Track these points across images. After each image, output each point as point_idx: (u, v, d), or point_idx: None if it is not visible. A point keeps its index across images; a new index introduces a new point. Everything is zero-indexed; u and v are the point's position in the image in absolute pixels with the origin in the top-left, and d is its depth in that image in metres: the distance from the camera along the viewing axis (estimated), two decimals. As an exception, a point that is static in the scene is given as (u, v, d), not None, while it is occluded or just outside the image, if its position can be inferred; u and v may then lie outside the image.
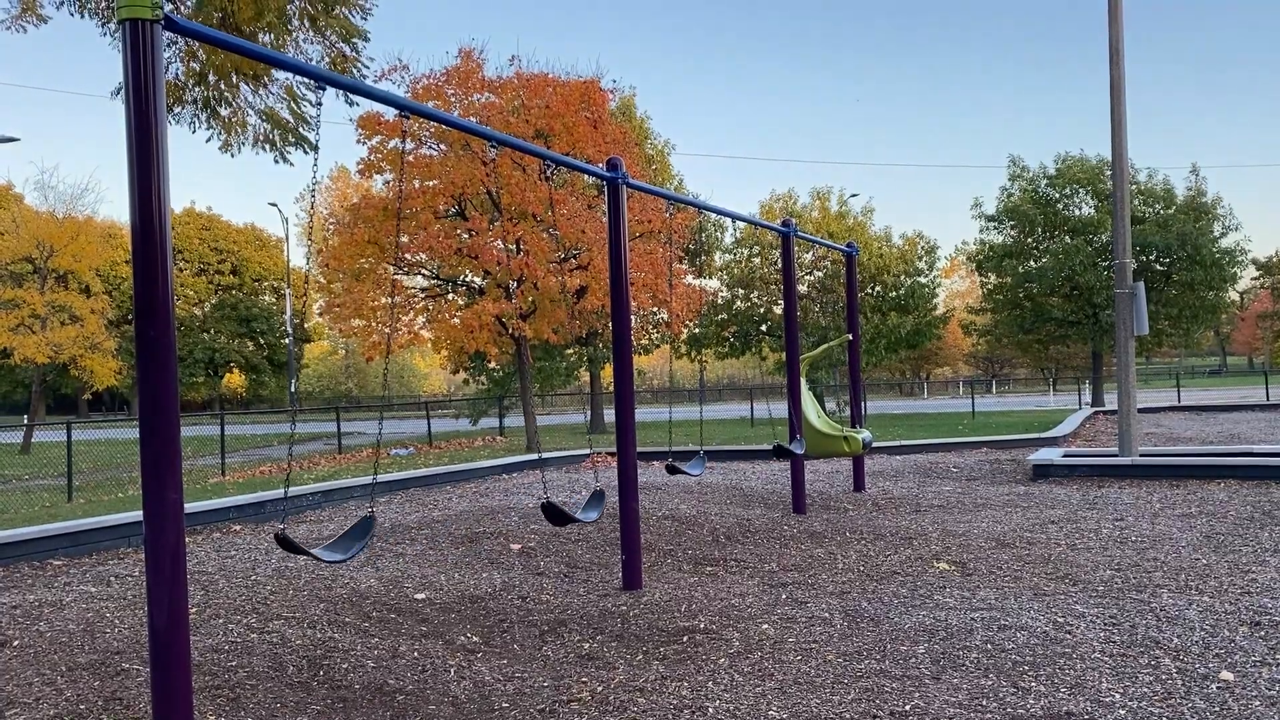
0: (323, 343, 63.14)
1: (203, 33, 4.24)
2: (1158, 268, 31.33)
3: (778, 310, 30.93)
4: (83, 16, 8.09)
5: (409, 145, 19.46)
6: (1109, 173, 21.07)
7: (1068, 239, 31.98)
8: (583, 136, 19.45)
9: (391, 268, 19.94)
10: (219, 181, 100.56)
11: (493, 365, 28.15)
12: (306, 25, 8.12)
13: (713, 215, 30.67)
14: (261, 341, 53.93)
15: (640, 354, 30.71)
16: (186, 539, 6.40)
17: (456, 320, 20.32)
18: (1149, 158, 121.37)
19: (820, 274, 30.87)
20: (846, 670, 4.83)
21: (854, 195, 34.12)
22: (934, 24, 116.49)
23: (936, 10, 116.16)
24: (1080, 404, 32.54)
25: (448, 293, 22.27)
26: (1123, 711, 4.14)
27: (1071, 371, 50.13)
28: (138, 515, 8.10)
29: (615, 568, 7.20)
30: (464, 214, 20.49)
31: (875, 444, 13.44)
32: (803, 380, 10.59)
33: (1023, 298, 33.23)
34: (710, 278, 32.97)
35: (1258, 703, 4.18)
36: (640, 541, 6.97)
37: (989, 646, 5.10)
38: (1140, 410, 16.80)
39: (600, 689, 4.68)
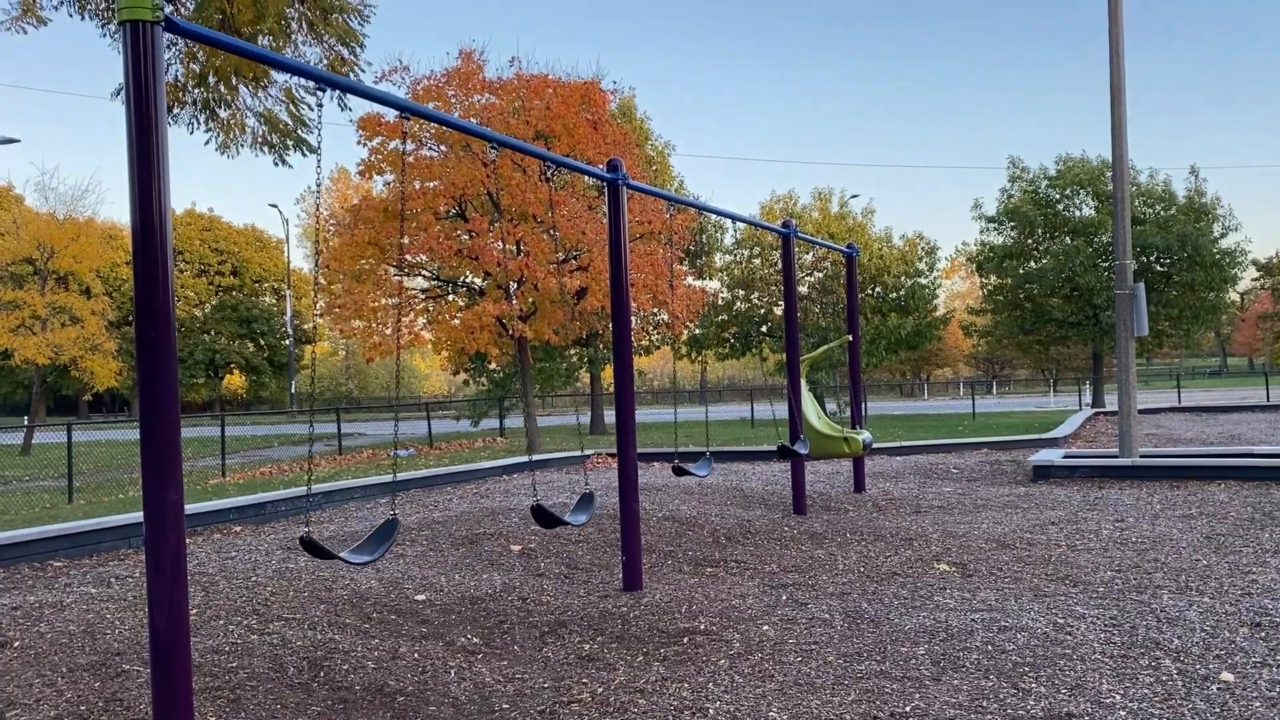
0: (322, 344, 63.13)
1: (203, 34, 4.24)
2: (1158, 269, 31.34)
3: (778, 311, 30.91)
4: (83, 18, 8.09)
5: (409, 146, 19.47)
6: (1109, 174, 21.07)
7: (1068, 240, 31.99)
8: (583, 138, 19.46)
9: (393, 269, 19.96)
10: (219, 182, 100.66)
11: (493, 366, 28.16)
12: (305, 29, 8.13)
13: (713, 216, 30.75)
14: (262, 343, 53.99)
15: (640, 355, 30.71)
16: (187, 540, 6.40)
17: (457, 321, 20.34)
18: (1149, 158, 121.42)
19: (821, 275, 30.86)
20: (847, 671, 4.83)
21: (854, 196, 34.01)
22: (934, 24, 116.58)
23: (937, 11, 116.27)
24: (1080, 405, 32.53)
25: (448, 294, 22.29)
26: (1123, 713, 4.14)
27: (1072, 372, 50.10)
28: (138, 516, 8.09)
29: (616, 569, 7.20)
30: (464, 215, 20.51)
31: (875, 445, 13.44)
32: (803, 381, 10.60)
33: (1023, 299, 33.23)
34: (711, 279, 32.96)
35: (1258, 704, 4.18)
36: (641, 543, 6.97)
37: (989, 647, 5.10)
38: (1141, 411, 16.80)
39: (600, 690, 4.68)
